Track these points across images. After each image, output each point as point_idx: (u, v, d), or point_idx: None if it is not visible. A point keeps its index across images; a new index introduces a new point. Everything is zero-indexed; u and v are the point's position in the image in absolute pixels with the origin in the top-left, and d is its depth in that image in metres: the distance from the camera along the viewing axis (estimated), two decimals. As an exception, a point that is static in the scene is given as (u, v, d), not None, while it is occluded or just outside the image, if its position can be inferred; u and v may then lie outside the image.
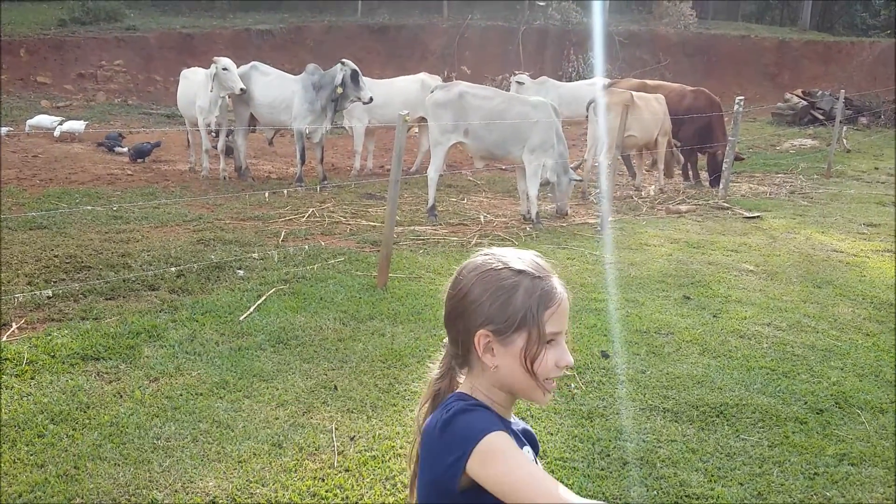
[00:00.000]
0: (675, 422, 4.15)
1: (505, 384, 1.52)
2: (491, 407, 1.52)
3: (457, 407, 1.45)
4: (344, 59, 10.18)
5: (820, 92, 20.85)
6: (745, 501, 3.43)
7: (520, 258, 1.53)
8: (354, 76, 9.95)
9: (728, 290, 6.56)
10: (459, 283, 1.53)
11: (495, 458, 1.37)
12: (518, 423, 1.62)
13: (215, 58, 10.17)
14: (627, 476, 3.57)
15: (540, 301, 1.47)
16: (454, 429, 1.42)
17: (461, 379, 1.60)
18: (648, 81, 13.26)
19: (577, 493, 1.29)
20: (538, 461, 1.61)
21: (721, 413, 4.26)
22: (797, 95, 20.70)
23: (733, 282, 6.85)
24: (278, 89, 10.26)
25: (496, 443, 1.38)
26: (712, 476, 3.62)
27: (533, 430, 1.67)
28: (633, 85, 12.16)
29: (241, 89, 9.84)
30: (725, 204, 10.54)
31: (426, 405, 1.61)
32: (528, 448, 1.56)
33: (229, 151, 10.91)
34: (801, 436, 4.06)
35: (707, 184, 12.17)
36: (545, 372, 1.49)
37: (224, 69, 9.83)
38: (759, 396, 4.49)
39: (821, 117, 19.67)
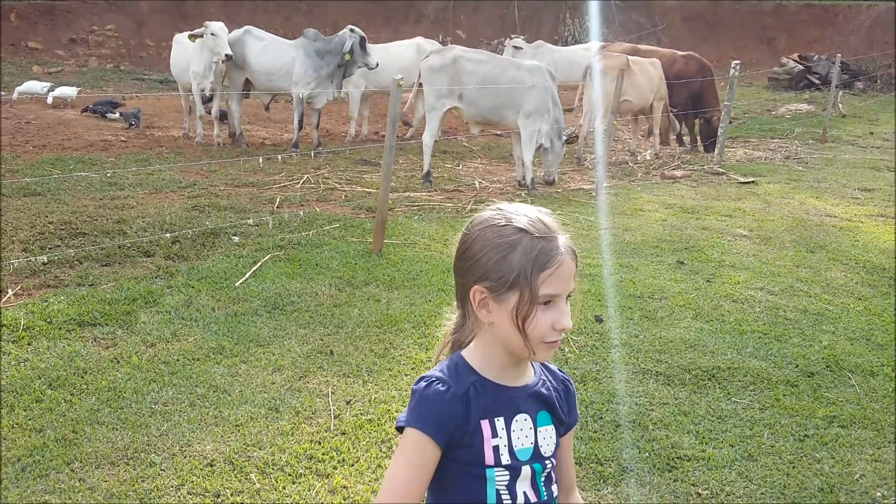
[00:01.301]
0: (668, 385, 4.20)
1: (506, 344, 1.53)
2: (482, 372, 1.54)
3: (420, 386, 1.52)
4: (352, 26, 10.07)
5: (816, 56, 20.75)
6: (736, 463, 3.49)
7: (527, 216, 1.51)
8: (362, 42, 9.90)
9: (721, 255, 6.59)
10: (465, 237, 1.55)
11: (397, 449, 1.53)
12: (537, 382, 1.61)
13: (206, 22, 10.05)
14: (620, 438, 3.62)
15: (536, 262, 1.46)
16: (410, 402, 1.54)
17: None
18: (640, 46, 13.16)
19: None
20: (554, 427, 1.61)
21: (713, 376, 4.31)
22: (793, 60, 20.60)
23: (727, 247, 6.88)
24: (275, 54, 10.15)
25: (405, 438, 1.50)
26: (703, 438, 3.67)
27: (566, 388, 1.67)
28: (624, 49, 12.06)
29: (227, 55, 9.67)
30: (720, 169, 10.54)
31: (440, 357, 1.65)
32: (524, 416, 1.55)
33: (223, 117, 10.84)
34: (792, 398, 4.11)
35: (702, 149, 12.15)
36: (540, 333, 1.48)
37: (212, 34, 9.70)
38: (750, 360, 4.54)
39: (817, 82, 19.59)
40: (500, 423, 1.53)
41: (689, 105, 11.83)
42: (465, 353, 1.58)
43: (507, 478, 1.53)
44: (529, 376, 1.60)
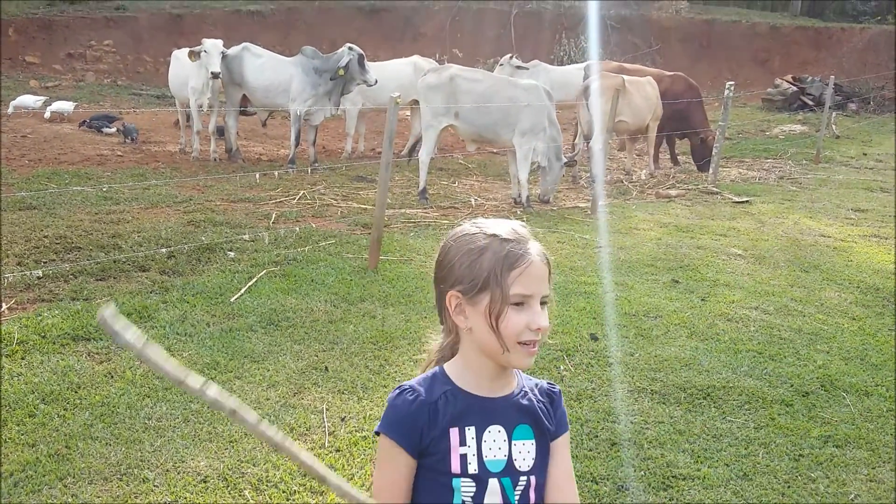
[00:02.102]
0: (663, 404, 4.19)
1: (484, 349, 1.54)
2: (458, 382, 1.56)
3: (393, 394, 1.58)
4: (350, 44, 10.14)
5: (810, 78, 20.91)
6: (731, 482, 3.48)
7: (498, 224, 1.56)
8: (361, 60, 9.96)
9: (716, 274, 6.61)
10: (441, 247, 1.61)
11: (377, 457, 1.59)
12: (518, 393, 1.59)
13: (204, 39, 10.12)
14: (615, 457, 3.62)
15: (504, 261, 1.49)
16: (385, 409, 1.60)
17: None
18: (626, 65, 13.21)
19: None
20: (536, 441, 1.58)
21: (708, 395, 4.31)
22: (787, 81, 20.75)
23: (721, 266, 6.90)
24: (273, 71, 10.21)
25: (379, 444, 1.57)
26: (699, 457, 3.66)
27: (550, 399, 1.63)
28: (611, 69, 12.13)
29: (214, 73, 9.76)
30: (715, 189, 10.59)
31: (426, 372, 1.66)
32: (498, 427, 1.54)
33: (221, 133, 10.87)
34: (787, 418, 4.12)
35: (674, 167, 12.23)
36: (513, 332, 1.49)
37: (204, 51, 9.78)
38: (745, 379, 4.54)
39: (810, 103, 19.74)
40: (470, 432, 1.54)
41: (673, 124, 11.86)
42: (446, 365, 1.61)
43: (474, 490, 1.53)
44: (510, 387, 1.60)
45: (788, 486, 3.48)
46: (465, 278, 1.52)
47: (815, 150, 13.64)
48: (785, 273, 6.81)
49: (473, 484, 1.53)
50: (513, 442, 1.56)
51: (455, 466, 1.53)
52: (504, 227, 1.55)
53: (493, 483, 1.53)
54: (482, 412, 1.56)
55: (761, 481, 3.51)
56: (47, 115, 12.31)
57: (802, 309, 5.86)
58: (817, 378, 4.61)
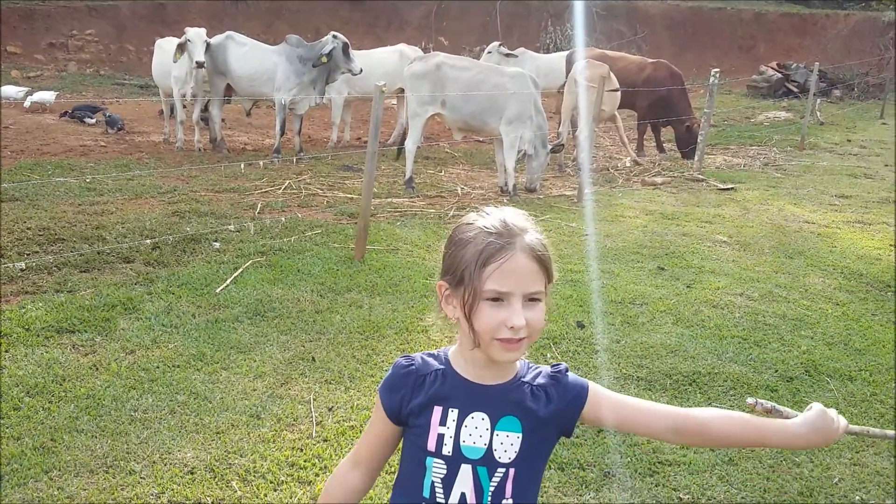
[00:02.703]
0: (649, 390, 4.22)
1: (464, 338, 1.55)
2: (454, 364, 1.58)
3: (395, 362, 1.65)
4: (335, 32, 10.08)
5: (794, 64, 21.00)
6: (717, 467, 3.51)
7: (492, 215, 1.54)
8: (346, 49, 9.91)
9: (702, 261, 6.64)
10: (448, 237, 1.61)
11: None
12: (513, 383, 1.57)
13: (187, 28, 10.03)
14: (602, 443, 3.63)
15: (480, 256, 1.47)
16: None
17: None
18: (608, 52, 13.19)
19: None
20: (524, 435, 1.54)
21: (693, 381, 4.34)
22: (772, 68, 20.84)
23: (707, 253, 6.93)
24: (258, 60, 10.14)
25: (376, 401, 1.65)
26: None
27: (556, 379, 1.60)
28: (594, 56, 12.11)
29: (198, 62, 9.70)
30: (700, 176, 10.62)
31: None
32: (481, 414, 1.53)
33: (205, 122, 10.80)
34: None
35: (659, 155, 12.25)
36: (486, 329, 1.47)
37: (188, 41, 9.71)
38: (730, 365, 4.57)
39: (795, 90, 19.83)
40: (452, 413, 1.55)
41: (655, 111, 11.87)
42: (452, 347, 1.63)
43: (445, 471, 1.53)
44: (505, 377, 1.57)
45: (773, 471, 3.51)
46: (451, 269, 1.52)
47: (800, 136, 13.70)
48: (770, 259, 6.84)
49: (445, 465, 1.53)
50: (495, 432, 1.54)
51: (431, 444, 1.54)
52: (497, 218, 1.52)
53: (466, 469, 1.53)
54: (468, 397, 1.55)
55: (746, 466, 3.54)
56: (27, 104, 12.17)
57: (787, 295, 5.90)
58: (801, 363, 4.65)
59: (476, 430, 1.54)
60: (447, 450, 1.53)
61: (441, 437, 1.54)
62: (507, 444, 1.54)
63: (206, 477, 3.21)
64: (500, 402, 1.56)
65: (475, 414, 1.54)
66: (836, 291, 6.08)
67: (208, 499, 3.08)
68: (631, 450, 3.60)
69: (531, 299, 1.48)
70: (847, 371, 4.59)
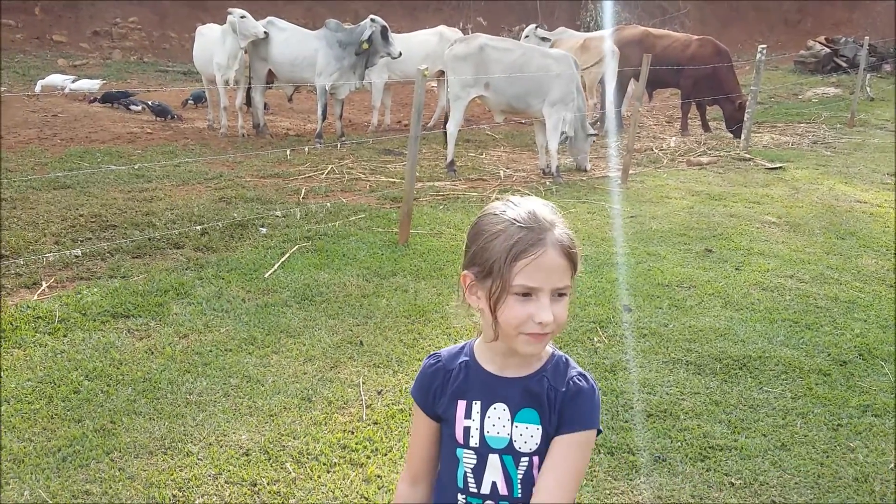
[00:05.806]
0: (698, 374, 4.18)
1: (488, 329, 1.55)
2: (477, 356, 1.60)
3: (424, 361, 1.67)
4: (373, 16, 10.08)
5: (843, 39, 20.43)
6: (769, 452, 3.48)
7: (522, 206, 1.51)
8: (384, 32, 9.92)
9: (750, 243, 6.54)
10: (472, 223, 1.59)
11: None
12: (533, 377, 1.56)
13: (230, 9, 10.12)
14: (651, 428, 3.62)
15: (511, 251, 1.45)
16: None
17: None
18: (652, 30, 12.97)
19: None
20: (543, 427, 1.54)
21: (744, 365, 4.29)
22: (820, 42, 20.29)
23: (755, 234, 6.82)
24: (298, 46, 10.20)
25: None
26: (736, 427, 3.66)
27: (578, 391, 1.56)
28: (636, 33, 11.93)
29: (265, 33, 9.89)
30: (747, 155, 10.44)
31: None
32: (502, 406, 1.54)
33: (248, 104, 10.91)
34: (825, 387, 4.09)
35: (705, 134, 12.04)
36: (512, 322, 1.46)
37: (242, 17, 9.86)
38: (781, 349, 4.51)
39: (844, 65, 19.31)
40: (476, 406, 1.58)
41: (701, 90, 11.66)
42: (477, 339, 1.64)
43: (475, 461, 1.57)
44: (528, 369, 1.57)
45: (827, 456, 3.47)
46: (478, 260, 1.51)
47: (850, 113, 13.37)
48: (820, 240, 6.72)
49: (475, 456, 1.57)
50: (515, 424, 1.56)
51: (459, 437, 1.59)
52: (526, 210, 1.50)
53: (494, 458, 1.56)
54: (489, 388, 1.58)
55: (799, 451, 3.49)
56: (67, 91, 12.33)
57: (839, 277, 5.79)
58: (855, 347, 4.57)
59: (499, 421, 1.57)
60: (474, 441, 1.58)
61: (467, 429, 1.58)
62: (528, 436, 1.55)
63: (260, 458, 3.27)
64: (518, 394, 1.56)
65: (497, 405, 1.57)
66: (889, 273, 5.95)
67: (264, 480, 3.14)
68: (681, 434, 3.58)
69: (559, 294, 1.49)
70: (902, 354, 4.49)
